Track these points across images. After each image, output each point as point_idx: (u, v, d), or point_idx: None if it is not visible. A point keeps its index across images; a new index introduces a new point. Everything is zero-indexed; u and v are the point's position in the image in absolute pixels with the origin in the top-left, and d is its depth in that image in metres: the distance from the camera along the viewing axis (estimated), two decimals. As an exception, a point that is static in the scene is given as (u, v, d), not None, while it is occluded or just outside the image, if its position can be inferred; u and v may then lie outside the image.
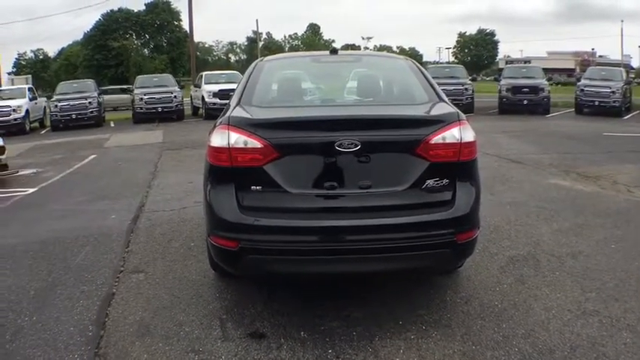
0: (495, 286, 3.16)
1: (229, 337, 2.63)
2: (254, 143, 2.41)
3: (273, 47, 68.83)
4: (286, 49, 71.38)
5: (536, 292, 3.03)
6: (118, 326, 2.78)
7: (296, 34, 75.91)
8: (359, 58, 3.63)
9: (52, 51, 68.32)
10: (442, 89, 12.23)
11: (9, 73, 48.93)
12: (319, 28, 76.47)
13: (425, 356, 2.39)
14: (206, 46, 68.12)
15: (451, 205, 2.50)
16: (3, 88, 21.17)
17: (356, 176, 2.46)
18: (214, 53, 71.50)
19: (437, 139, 2.47)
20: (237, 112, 2.62)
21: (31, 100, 17.09)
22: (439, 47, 78.29)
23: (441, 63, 47.29)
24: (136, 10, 54.48)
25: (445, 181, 2.51)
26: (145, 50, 54.74)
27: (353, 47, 67.85)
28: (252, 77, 3.08)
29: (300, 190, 2.44)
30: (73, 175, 8.08)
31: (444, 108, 2.67)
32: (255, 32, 61.97)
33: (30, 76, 33.73)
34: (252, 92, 2.91)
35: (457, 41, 69.40)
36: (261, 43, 67.20)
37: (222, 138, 2.47)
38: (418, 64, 3.31)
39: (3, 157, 7.45)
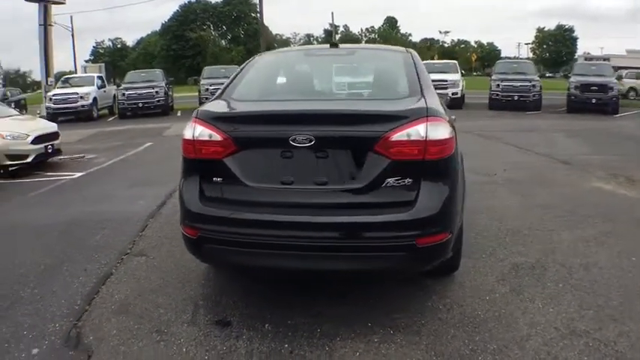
0: (487, 294, 3.04)
1: (196, 322, 2.81)
2: (215, 136, 2.53)
3: (349, 40, 69.58)
4: (363, 42, 72.20)
5: (528, 305, 2.88)
6: (103, 303, 3.07)
7: (373, 27, 76.09)
8: (353, 51, 3.57)
9: (130, 40, 73.58)
10: (508, 86, 11.97)
11: (86, 61, 53.60)
12: (396, 21, 76.02)
13: (378, 362, 2.39)
14: (283, 38, 70.14)
15: (411, 206, 2.41)
16: (72, 75, 23.10)
17: (312, 172, 2.48)
18: (292, 46, 73.21)
19: (398, 136, 2.39)
20: (209, 106, 2.77)
21: (99, 88, 18.57)
22: (519, 43, 75.16)
23: (519, 58, 45.08)
24: (213, 2, 57.11)
25: (408, 180, 2.43)
26: (222, 41, 57.28)
27: (432, 41, 66.92)
28: (243, 71, 3.21)
29: (258, 183, 2.53)
30: (123, 161, 8.78)
31: (415, 103, 2.56)
32: (331, 25, 62.57)
33: (103, 64, 36.40)
34: (236, 86, 3.05)
35: (535, 37, 68.36)
36: (338, 36, 67.96)
37: (189, 130, 2.65)
38: (416, 58, 3.23)
39: (57, 142, 8.27)
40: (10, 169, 7.43)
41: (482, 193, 5.51)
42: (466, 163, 7.49)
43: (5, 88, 21.30)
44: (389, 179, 2.41)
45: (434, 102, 2.64)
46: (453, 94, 15.75)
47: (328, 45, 3.53)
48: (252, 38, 54.28)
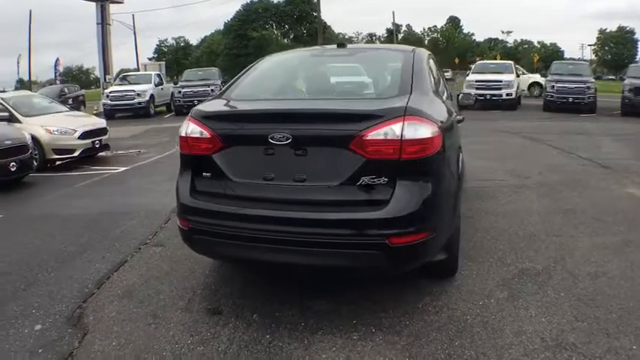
0: (482, 299, 3.01)
1: (190, 309, 3.00)
2: (205, 134, 2.72)
3: (412, 39, 69.52)
4: (425, 42, 72.17)
5: (520, 313, 2.81)
6: (111, 288, 3.35)
7: (435, 26, 75.32)
8: (356, 52, 3.61)
9: (194, 39, 76.53)
10: (563, 87, 11.58)
11: (150, 59, 56.45)
12: (459, 21, 74.97)
13: (351, 358, 2.45)
14: (346, 37, 70.66)
15: (385, 205, 2.44)
16: (130, 73, 24.41)
17: (291, 169, 2.58)
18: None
19: (373, 134, 2.43)
20: (203, 105, 2.96)
21: (157, 85, 19.47)
22: (582, 44, 72.34)
23: (575, 60, 43.16)
24: (275, 1, 58.51)
25: (383, 179, 2.46)
26: (285, 40, 58.55)
27: (496, 42, 65.41)
28: (248, 71, 3.36)
29: (242, 179, 2.67)
30: (169, 157, 9.21)
31: (395, 103, 2.58)
32: (394, 24, 62.44)
33: (163, 62, 38.07)
34: (237, 85, 3.22)
35: (597, 38, 66.85)
36: (400, 35, 67.76)
37: (184, 128, 2.86)
38: (418, 58, 3.24)
39: (105, 137, 8.89)
40: (58, 162, 8.06)
41: (509, 195, 5.41)
42: (504, 164, 7.33)
43: (63, 84, 22.95)
44: (364, 177, 2.46)
45: (419, 101, 2.65)
46: (507, 94, 15.56)
47: (336, 45, 3.62)
48: (314, 37, 54.91)
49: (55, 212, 5.43)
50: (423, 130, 2.49)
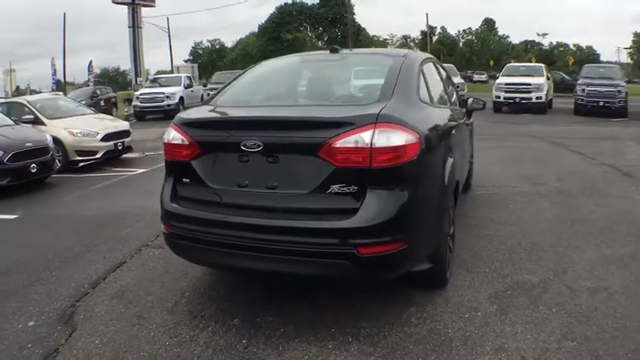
0: (469, 312, 2.95)
1: (174, 311, 3.09)
2: (184, 140, 2.80)
3: (446, 42, 68.86)
4: (460, 44, 71.72)
5: (506, 328, 2.74)
6: (105, 288, 3.48)
7: (470, 28, 74.51)
8: (345, 57, 3.59)
9: (229, 41, 77.76)
10: (593, 91, 11.37)
11: (185, 61, 57.77)
12: (494, 23, 73.94)
13: (323, 367, 2.46)
14: (380, 39, 70.72)
15: (353, 214, 2.42)
16: (160, 75, 25.05)
17: (264, 176, 2.61)
18: (388, 47, 73.67)
19: (342, 142, 2.41)
20: (186, 112, 3.04)
21: (186, 87, 19.96)
22: (617, 47, 70.03)
23: (607, 63, 41.78)
24: (310, 4, 59.14)
25: (353, 187, 2.45)
26: (319, 42, 58.99)
27: (532, 44, 64.42)
28: (238, 77, 3.43)
29: (218, 185, 2.73)
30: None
31: (368, 110, 2.55)
32: (429, 26, 62.03)
33: (196, 65, 38.79)
34: (226, 92, 3.30)
35: (633, 41, 63.77)
36: (435, 38, 67.32)
37: (166, 134, 2.96)
38: (407, 64, 3.20)
39: (127, 139, 9.19)
40: (81, 164, 8.38)
41: (519, 203, 5.28)
42: (521, 170, 7.14)
43: (95, 86, 23.84)
44: (333, 186, 2.46)
45: (396, 108, 2.63)
46: (537, 98, 15.30)
47: (329, 51, 3.64)
48: (352, 40, 55.11)
49: (68, 213, 5.67)
50: (397, 138, 2.46)
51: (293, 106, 3.00)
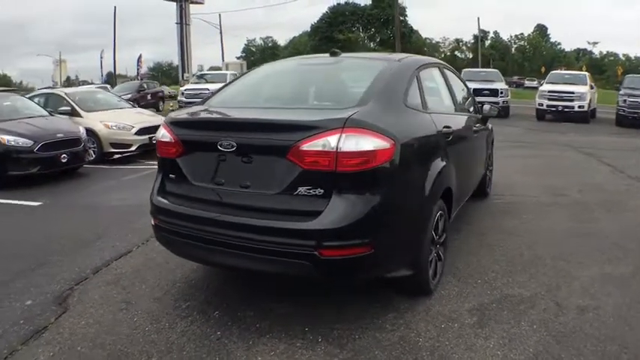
0: (446, 322, 2.90)
1: (162, 299, 3.23)
2: (170, 138, 2.92)
3: (498, 47, 67.41)
4: (513, 49, 70.25)
5: (478, 342, 2.67)
6: (105, 274, 3.67)
7: (522, 34, 72.87)
8: (341, 61, 3.58)
9: (282, 39, 78.88)
10: (635, 102, 11.36)
11: (237, 58, 59.10)
12: (547, 29, 71.92)
13: (286, 365, 2.51)
14: (433, 42, 70.09)
15: (316, 216, 2.44)
16: (206, 72, 25.73)
17: (239, 175, 2.68)
18: (441, 50, 72.90)
19: (309, 145, 2.45)
20: (177, 112, 3.15)
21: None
22: None
23: None
24: (362, 4, 59.32)
25: (319, 190, 2.47)
26: (371, 44, 59.03)
27: (584, 52, 62.53)
28: (237, 79, 3.52)
29: (199, 182, 2.84)
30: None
31: (339, 114, 2.55)
32: (481, 31, 60.83)
33: (245, 62, 39.46)
34: (221, 93, 3.42)
35: None
36: (487, 42, 66.12)
37: (158, 132, 3.11)
38: (398, 69, 3.20)
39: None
40: (115, 156, 8.77)
41: (534, 213, 5.11)
42: (544, 180, 6.89)
43: (143, 80, 24.86)
44: (300, 188, 2.50)
45: (372, 113, 2.63)
46: (579, 107, 14.81)
47: (328, 54, 3.67)
48: (400, 42, 54.69)
49: (92, 202, 5.99)
50: (365, 143, 2.46)
51: (269, 109, 3.06)
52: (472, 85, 16.80)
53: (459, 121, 3.97)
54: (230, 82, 3.55)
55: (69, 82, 46.39)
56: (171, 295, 3.29)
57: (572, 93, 15.05)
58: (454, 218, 4.34)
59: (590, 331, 2.77)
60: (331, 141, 2.42)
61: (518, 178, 6.81)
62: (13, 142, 6.56)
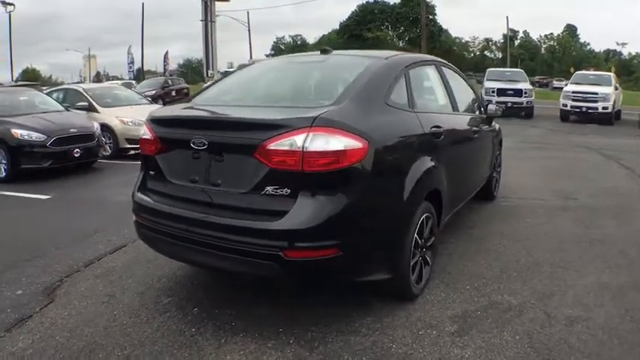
0: (424, 329, 2.80)
1: (144, 294, 3.25)
2: (150, 136, 2.94)
3: (528, 46, 66.08)
4: (542, 50, 68.94)
5: (453, 352, 2.56)
6: (96, 268, 3.74)
7: (552, 34, 71.10)
8: (329, 59, 3.50)
9: (311, 37, 78.90)
10: None
11: (267, 55, 59.50)
12: (576, 29, 70.12)
13: (251, 366, 2.49)
14: (462, 41, 69.23)
15: (282, 216, 2.40)
16: (231, 69, 25.97)
17: (210, 173, 2.67)
18: (470, 49, 71.87)
19: (275, 145, 2.40)
20: (159, 109, 3.18)
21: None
22: None
23: None
24: (391, 3, 59.04)
25: (286, 190, 2.43)
26: (400, 42, 58.69)
27: (614, 53, 61.02)
28: (225, 77, 3.50)
29: (175, 179, 2.84)
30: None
31: (308, 113, 2.49)
32: (510, 30, 59.65)
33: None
34: (210, 90, 3.42)
35: None
36: (517, 42, 64.99)
37: (140, 130, 3.11)
38: (384, 67, 3.12)
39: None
40: (131, 152, 8.83)
41: (540, 217, 4.94)
42: (556, 183, 6.64)
43: (168, 77, 25.32)
44: (268, 187, 2.46)
45: (344, 112, 2.56)
46: (603, 108, 14.41)
47: (319, 51, 3.62)
48: (428, 40, 53.99)
49: (99, 197, 6.11)
50: (335, 143, 2.39)
51: (244, 107, 3.03)
52: (496, 85, 16.74)
53: (454, 121, 3.85)
54: (220, 80, 3.54)
55: (98, 78, 47.58)
56: (155, 290, 3.31)
57: (596, 94, 14.58)
58: (451, 221, 4.23)
59: (576, 344, 2.63)
60: (298, 140, 2.37)
61: (529, 181, 6.59)
62: (26, 137, 6.76)
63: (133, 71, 41.55)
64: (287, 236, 2.38)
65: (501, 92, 16.32)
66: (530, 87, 17.26)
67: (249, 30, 45.28)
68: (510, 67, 40.12)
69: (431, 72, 3.83)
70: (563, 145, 10.27)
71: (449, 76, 4.11)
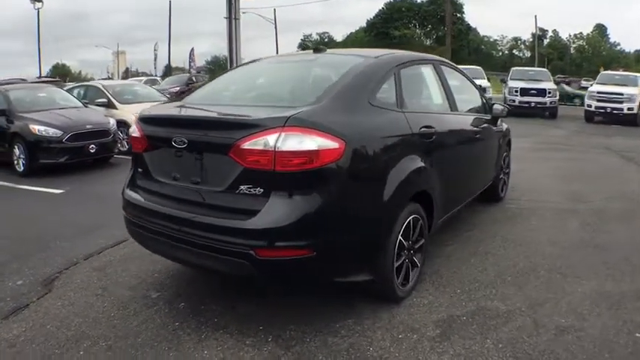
0: (405, 332, 2.76)
1: (135, 288, 3.34)
2: (138, 134, 3.01)
3: (557, 46, 64.40)
4: (571, 49, 66.60)
5: (429, 358, 2.49)
6: (94, 261, 3.85)
7: (581, 33, 68.96)
8: (319, 57, 3.48)
9: (339, 35, 78.65)
10: None
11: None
12: (606, 29, 67.81)
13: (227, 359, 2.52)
14: (491, 40, 68.04)
15: (254, 215, 2.41)
16: None
17: (191, 171, 2.70)
18: (498, 48, 70.59)
19: (249, 144, 2.42)
20: (150, 108, 3.27)
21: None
22: None
23: None
24: (418, 1, 58.40)
25: (259, 189, 2.45)
26: (428, 40, 58.12)
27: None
28: (219, 76, 3.53)
29: (159, 177, 2.90)
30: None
31: (282, 112, 2.48)
32: (539, 29, 58.25)
33: None
34: (203, 89, 3.47)
35: None
36: (546, 41, 63.42)
37: (131, 128, 3.16)
38: (372, 66, 3.09)
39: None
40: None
41: (547, 221, 4.79)
42: (570, 185, 6.43)
43: (193, 74, 25.73)
44: (242, 186, 2.47)
45: (321, 112, 2.55)
46: (628, 109, 14.03)
47: (312, 50, 3.62)
48: (456, 39, 53.22)
49: (111, 192, 6.09)
50: (308, 142, 2.38)
51: (224, 106, 3.04)
52: (520, 85, 16.32)
53: (450, 121, 3.77)
54: (215, 78, 3.57)
55: (127, 74, 48.63)
56: (146, 284, 3.38)
57: (621, 94, 14.06)
58: (451, 223, 4.16)
59: (564, 355, 2.52)
60: (270, 140, 2.37)
61: (543, 183, 6.41)
62: (43, 132, 6.98)
63: (156, 67, 42.45)
64: (258, 235, 2.40)
65: (524, 92, 15.91)
66: (555, 87, 16.76)
67: (275, 27, 45.59)
68: (538, 66, 39.10)
69: (426, 71, 3.76)
70: (583, 147, 9.93)
71: (449, 75, 4.02)
